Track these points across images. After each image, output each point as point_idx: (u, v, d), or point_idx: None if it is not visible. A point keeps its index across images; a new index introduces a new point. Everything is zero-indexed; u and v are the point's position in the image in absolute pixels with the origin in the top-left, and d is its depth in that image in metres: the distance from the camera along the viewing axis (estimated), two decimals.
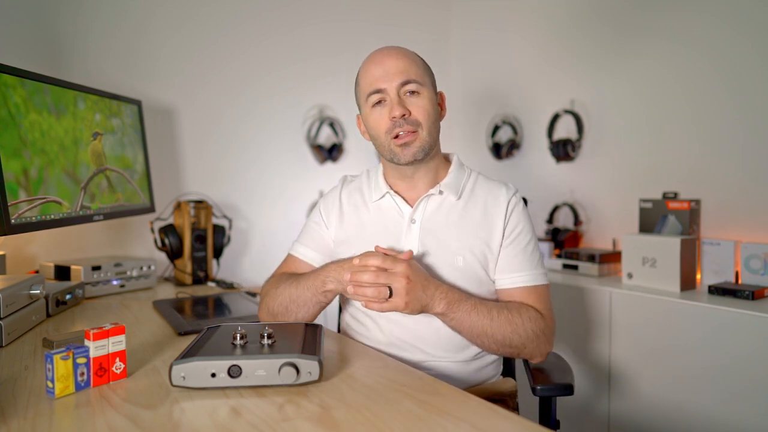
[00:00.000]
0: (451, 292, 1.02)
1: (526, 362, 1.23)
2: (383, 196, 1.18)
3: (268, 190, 2.25)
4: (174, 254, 1.80)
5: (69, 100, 1.47)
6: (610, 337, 1.77)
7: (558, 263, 2.09)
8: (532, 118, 2.41)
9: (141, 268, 1.68)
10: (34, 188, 1.33)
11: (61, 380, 0.80)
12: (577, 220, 2.21)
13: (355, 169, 1.97)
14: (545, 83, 2.35)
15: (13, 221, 1.25)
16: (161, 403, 0.78)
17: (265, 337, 0.90)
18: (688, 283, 1.73)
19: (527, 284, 1.12)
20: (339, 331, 1.36)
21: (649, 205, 1.93)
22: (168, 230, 1.80)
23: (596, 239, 2.21)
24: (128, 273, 1.65)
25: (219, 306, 1.44)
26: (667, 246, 1.73)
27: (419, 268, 1.02)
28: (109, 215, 1.60)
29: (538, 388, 1.10)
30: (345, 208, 1.22)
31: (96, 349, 0.84)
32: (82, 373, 0.82)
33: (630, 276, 1.83)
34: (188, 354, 0.84)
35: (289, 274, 1.21)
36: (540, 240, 2.25)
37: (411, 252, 1.05)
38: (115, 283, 1.61)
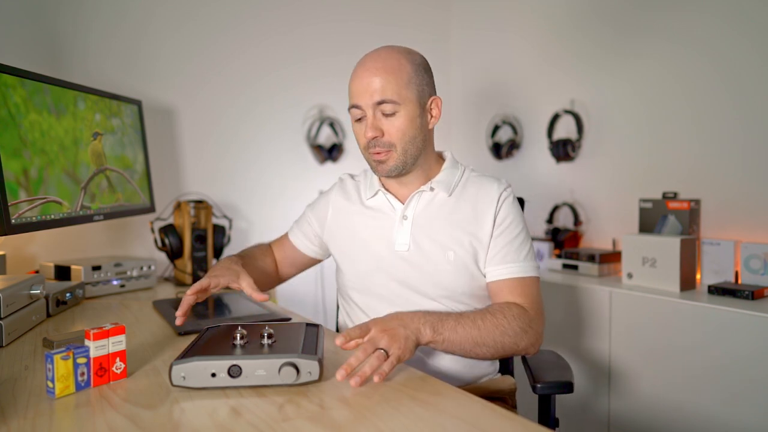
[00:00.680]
0: (429, 315, 1.00)
1: (525, 361, 1.24)
2: (376, 194, 1.21)
3: (268, 190, 2.25)
4: (174, 254, 1.80)
5: (69, 100, 1.47)
6: (609, 337, 1.77)
7: (558, 263, 2.09)
8: (532, 118, 2.41)
9: (141, 268, 1.68)
10: (34, 188, 1.33)
11: (62, 380, 0.80)
12: (577, 220, 2.21)
13: (355, 169, 1.97)
14: (545, 83, 2.35)
15: (13, 221, 1.25)
16: (161, 403, 0.78)
17: (265, 337, 0.90)
18: (687, 283, 1.73)
19: (515, 276, 1.11)
20: (337, 330, 1.36)
21: (649, 205, 1.93)
22: (168, 230, 1.80)
23: (596, 239, 2.21)
24: (128, 273, 1.65)
25: (219, 306, 1.44)
26: (667, 246, 1.73)
27: (386, 316, 0.99)
28: (109, 215, 1.60)
29: (538, 386, 1.11)
30: (338, 206, 1.27)
31: (96, 349, 0.84)
32: (83, 373, 0.82)
33: (630, 276, 1.83)
34: (188, 354, 0.84)
35: (265, 249, 1.38)
36: (540, 240, 2.25)
37: (373, 321, 0.97)
38: (115, 283, 1.61)
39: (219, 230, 1.89)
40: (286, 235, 1.39)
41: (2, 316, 1.07)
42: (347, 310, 1.26)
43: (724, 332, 1.50)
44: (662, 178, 1.97)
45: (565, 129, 2.26)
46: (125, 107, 1.73)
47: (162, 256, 1.93)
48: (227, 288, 1.15)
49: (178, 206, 1.85)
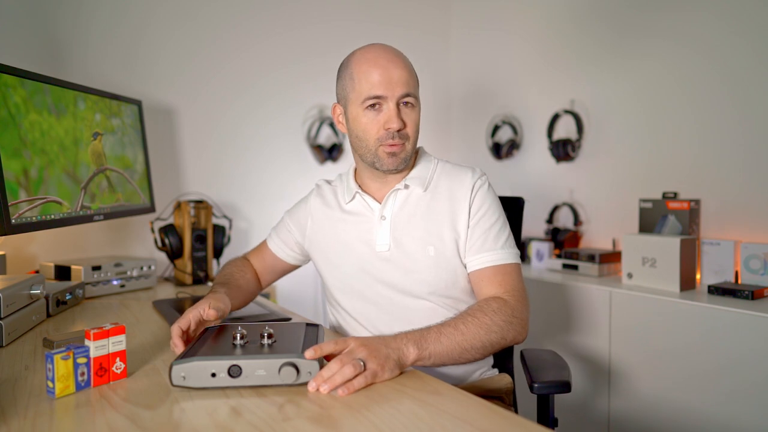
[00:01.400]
0: (410, 333, 0.97)
1: (523, 360, 1.23)
2: (353, 197, 1.21)
3: (268, 190, 2.25)
4: (174, 254, 1.80)
5: (69, 100, 1.47)
6: (609, 337, 1.77)
7: (558, 263, 2.09)
8: (532, 118, 2.41)
9: (141, 268, 1.68)
10: (34, 188, 1.33)
11: (62, 380, 0.80)
12: (577, 220, 2.22)
13: None
14: (545, 83, 2.35)
15: (13, 221, 1.25)
16: (161, 403, 0.78)
17: (265, 337, 0.90)
18: (687, 283, 1.73)
19: (494, 264, 1.11)
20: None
21: (649, 205, 1.93)
22: (168, 230, 1.81)
23: (596, 239, 2.21)
24: (128, 273, 1.65)
25: None
26: (667, 246, 1.73)
27: (366, 337, 0.96)
28: (109, 215, 1.60)
29: (536, 385, 1.11)
30: (316, 214, 1.27)
31: (96, 349, 0.84)
32: (83, 373, 0.83)
33: (630, 276, 1.83)
34: (188, 354, 0.84)
35: (242, 264, 1.34)
36: (540, 240, 2.25)
37: (354, 337, 0.94)
38: (115, 283, 1.61)
39: (219, 230, 1.89)
40: (264, 244, 1.37)
41: (2, 316, 1.07)
42: (336, 316, 1.26)
43: (724, 332, 1.50)
44: (662, 178, 1.97)
45: (565, 129, 2.26)
46: (125, 107, 1.73)
47: (162, 256, 1.93)
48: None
49: (178, 206, 1.85)
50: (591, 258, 1.98)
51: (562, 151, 2.20)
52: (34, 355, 1.02)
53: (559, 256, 2.14)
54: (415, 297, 1.13)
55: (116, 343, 0.86)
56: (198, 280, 1.80)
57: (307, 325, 1.04)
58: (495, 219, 1.14)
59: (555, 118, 2.26)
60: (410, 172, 1.19)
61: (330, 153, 2.32)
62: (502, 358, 1.33)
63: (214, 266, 1.92)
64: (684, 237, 1.73)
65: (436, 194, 1.16)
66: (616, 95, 2.11)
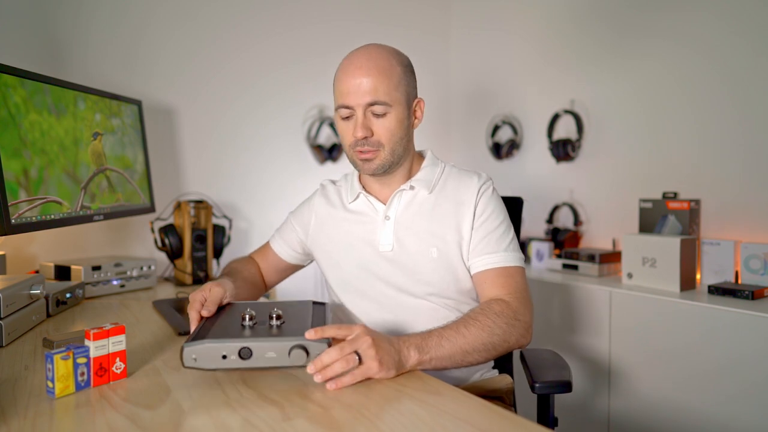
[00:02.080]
0: (412, 336, 0.96)
1: (523, 360, 1.23)
2: (357, 197, 1.21)
3: (268, 190, 2.25)
4: (174, 254, 1.80)
5: (69, 100, 1.47)
6: (609, 337, 1.77)
7: (558, 263, 2.09)
8: (532, 118, 2.41)
9: (141, 268, 1.68)
10: (34, 188, 1.33)
11: (62, 380, 0.80)
12: (577, 220, 2.22)
13: None
14: (545, 83, 2.35)
15: (13, 221, 1.25)
16: (161, 403, 0.78)
17: (274, 318, 0.90)
18: (687, 283, 1.73)
19: (498, 266, 1.11)
20: None
21: (649, 205, 1.93)
22: (168, 230, 1.80)
23: (596, 239, 2.21)
24: (128, 273, 1.65)
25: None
26: (667, 246, 1.73)
27: (375, 330, 0.96)
28: (109, 215, 1.60)
29: (537, 385, 1.11)
30: (319, 212, 1.27)
31: (96, 349, 0.84)
32: (83, 373, 0.83)
33: (630, 276, 1.83)
34: (199, 336, 0.85)
35: (247, 260, 1.36)
36: (540, 240, 2.25)
37: (363, 325, 0.94)
38: (115, 283, 1.61)
39: (219, 230, 1.89)
40: (267, 245, 1.38)
41: (2, 316, 1.07)
42: (338, 314, 1.26)
43: (724, 332, 1.50)
44: (662, 178, 1.97)
45: (565, 129, 2.26)
46: (125, 107, 1.73)
47: (162, 256, 1.93)
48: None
49: (178, 206, 1.85)
50: (591, 258, 1.98)
51: (562, 151, 2.20)
52: (34, 355, 1.02)
53: (559, 256, 2.14)
54: (417, 297, 1.13)
55: (116, 343, 0.86)
56: (198, 280, 1.80)
57: (314, 303, 1.04)
58: (499, 222, 1.14)
59: (555, 118, 2.26)
60: (416, 174, 1.19)
61: (330, 153, 2.32)
62: (503, 359, 1.33)
63: (214, 266, 1.92)
64: (684, 237, 1.73)
65: (441, 197, 1.16)
66: (616, 95, 2.11)
